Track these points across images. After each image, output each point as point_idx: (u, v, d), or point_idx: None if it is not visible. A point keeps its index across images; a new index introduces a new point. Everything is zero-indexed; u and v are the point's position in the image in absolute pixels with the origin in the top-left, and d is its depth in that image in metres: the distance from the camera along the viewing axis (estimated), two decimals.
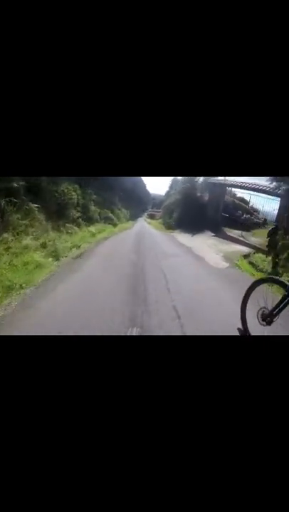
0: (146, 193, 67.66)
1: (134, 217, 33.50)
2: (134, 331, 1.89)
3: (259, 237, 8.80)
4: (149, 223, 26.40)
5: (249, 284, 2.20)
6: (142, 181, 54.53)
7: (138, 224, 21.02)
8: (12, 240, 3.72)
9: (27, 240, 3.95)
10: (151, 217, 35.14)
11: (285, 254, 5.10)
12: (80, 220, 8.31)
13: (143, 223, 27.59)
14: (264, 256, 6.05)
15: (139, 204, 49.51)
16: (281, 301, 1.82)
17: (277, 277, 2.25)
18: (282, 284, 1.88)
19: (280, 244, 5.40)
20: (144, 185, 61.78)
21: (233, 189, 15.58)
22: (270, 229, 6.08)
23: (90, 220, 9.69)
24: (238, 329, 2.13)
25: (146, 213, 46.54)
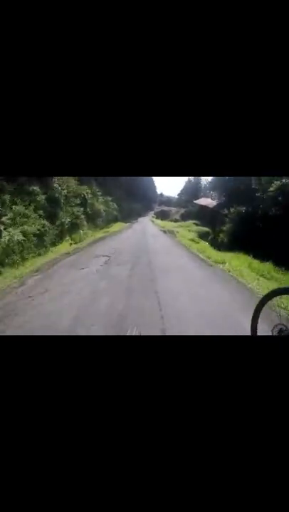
0: (153, 188, 54.37)
1: (129, 216, 19.20)
2: (134, 331, 1.70)
3: None
4: (170, 232, 11.72)
5: None
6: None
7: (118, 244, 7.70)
8: None
9: None
10: (163, 215, 22.12)
11: None
12: None
13: (146, 227, 13.31)
14: None
15: (142, 199, 35.71)
16: None
17: None
18: None
19: None
20: (150, 178, 48.08)
21: None
22: None
23: None
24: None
25: (152, 212, 33.01)
